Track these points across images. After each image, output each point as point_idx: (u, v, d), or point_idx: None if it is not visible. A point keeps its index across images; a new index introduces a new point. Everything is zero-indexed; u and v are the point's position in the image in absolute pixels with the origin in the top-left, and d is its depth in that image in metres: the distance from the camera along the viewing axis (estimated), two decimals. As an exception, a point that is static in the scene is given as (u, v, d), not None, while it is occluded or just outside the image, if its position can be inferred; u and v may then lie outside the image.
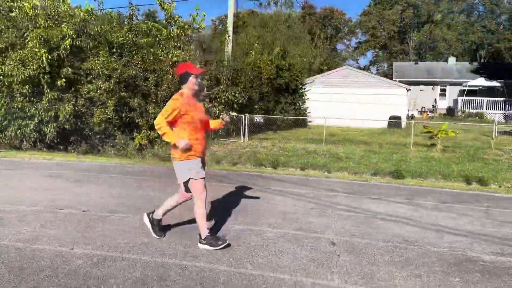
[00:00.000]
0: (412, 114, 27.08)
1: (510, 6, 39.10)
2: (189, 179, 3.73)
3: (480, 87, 29.79)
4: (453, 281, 3.20)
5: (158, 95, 11.30)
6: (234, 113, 13.84)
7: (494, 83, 28.47)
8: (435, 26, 43.77)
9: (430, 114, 29.94)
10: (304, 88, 19.34)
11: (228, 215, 4.97)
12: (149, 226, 4.02)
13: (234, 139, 13.88)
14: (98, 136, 11.18)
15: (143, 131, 11.23)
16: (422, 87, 32.09)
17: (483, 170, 9.44)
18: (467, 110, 27.59)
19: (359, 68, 52.24)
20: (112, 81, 10.86)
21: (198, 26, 13.39)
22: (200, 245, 3.81)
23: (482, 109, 27.58)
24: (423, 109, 31.29)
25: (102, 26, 11.59)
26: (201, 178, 3.74)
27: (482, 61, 43.35)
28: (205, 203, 3.78)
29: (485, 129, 18.83)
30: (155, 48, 12.51)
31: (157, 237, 3.98)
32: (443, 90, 31.78)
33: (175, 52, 12.67)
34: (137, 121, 11.05)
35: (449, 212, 5.42)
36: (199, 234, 3.83)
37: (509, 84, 28.04)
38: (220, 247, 3.75)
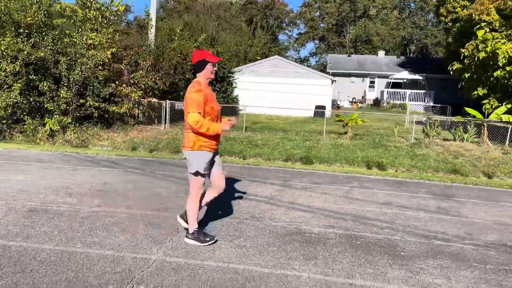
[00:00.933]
0: (338, 105, 28.34)
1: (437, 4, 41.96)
2: (196, 172, 3.56)
3: (405, 80, 31.85)
4: (271, 249, 3.62)
5: (70, 79, 10.96)
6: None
7: (417, 77, 30.60)
8: (370, 21, 45.84)
9: (360, 105, 31.55)
10: (233, 76, 19.58)
11: (88, 197, 5.12)
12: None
13: (156, 125, 13.83)
14: (5, 121, 10.67)
15: (55, 116, 10.87)
16: (353, 78, 33.69)
17: (384, 156, 10.29)
18: (392, 101, 29.43)
19: (300, 59, 53.50)
20: (18, 63, 10.38)
21: (116, 9, 13.07)
22: (187, 240, 3.68)
23: (405, 100, 29.56)
24: (354, 100, 32.89)
25: (8, 4, 10.98)
26: (206, 174, 3.61)
27: (411, 55, 46.19)
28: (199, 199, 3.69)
29: (402, 119, 20.28)
30: (70, 30, 12.06)
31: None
32: (372, 82, 33.60)
33: (91, 35, 12.32)
34: (46, 105, 10.68)
35: (312, 192, 5.96)
36: (186, 229, 3.75)
37: (430, 78, 30.24)
38: (209, 243, 3.64)
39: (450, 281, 3.18)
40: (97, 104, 11.73)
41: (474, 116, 13.40)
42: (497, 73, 13.81)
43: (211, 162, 3.65)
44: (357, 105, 31.27)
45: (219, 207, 4.82)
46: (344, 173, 7.90)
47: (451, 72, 18.11)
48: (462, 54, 16.12)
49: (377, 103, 30.65)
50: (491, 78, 14.57)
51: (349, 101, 32.95)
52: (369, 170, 8.56)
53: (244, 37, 27.98)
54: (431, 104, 28.74)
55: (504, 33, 15.36)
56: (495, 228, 4.61)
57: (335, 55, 38.66)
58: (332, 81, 21.63)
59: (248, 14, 42.84)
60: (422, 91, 29.80)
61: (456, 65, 17.06)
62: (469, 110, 13.36)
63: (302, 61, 52.47)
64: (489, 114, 13.39)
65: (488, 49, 14.12)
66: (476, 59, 14.87)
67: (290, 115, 20.25)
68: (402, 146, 11.84)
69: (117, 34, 13.65)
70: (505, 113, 13.08)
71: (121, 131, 12.19)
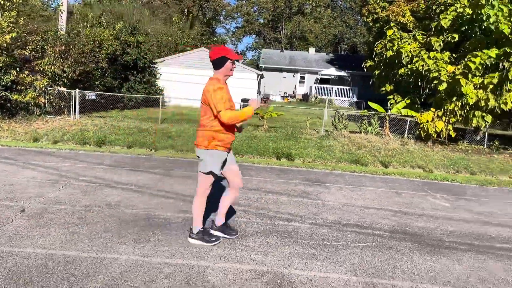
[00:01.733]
0: (267, 98, 28.88)
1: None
2: (210, 172, 3.46)
3: (332, 76, 33.21)
4: (106, 235, 3.66)
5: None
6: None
7: (343, 73, 32.03)
8: (304, 18, 47.10)
9: (290, 99, 32.41)
10: (156, 67, 19.17)
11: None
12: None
13: (65, 115, 13.17)
14: None
15: None
16: (285, 73, 34.47)
17: (294, 147, 10.67)
18: (319, 96, 30.56)
19: (237, 53, 53.63)
20: None
21: (18, -9, 12.18)
22: (191, 240, 3.61)
23: (332, 96, 30.85)
24: (285, 94, 33.69)
25: None
26: (216, 175, 3.51)
27: (342, 53, 48.20)
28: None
29: (322, 113, 21.15)
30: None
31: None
32: (303, 78, 34.63)
33: (-11, 17, 11.41)
34: None
35: (191, 179, 6.07)
36: (190, 229, 3.67)
37: (355, 75, 31.80)
38: (214, 243, 3.59)
39: (267, 256, 3.41)
40: (-5, 92, 10.93)
41: (377, 111, 14.37)
42: (401, 70, 14.82)
43: (224, 161, 3.58)
44: (288, 99, 32.09)
45: (75, 198, 4.74)
46: (249, 163, 8.10)
47: (365, 69, 19.19)
48: (374, 52, 17.14)
49: (306, 98, 31.68)
50: (397, 75, 15.65)
51: (281, 96, 33.69)
52: (278, 161, 8.84)
53: (174, 28, 27.44)
54: (355, 99, 30.28)
55: (412, 33, 16.52)
56: (342, 209, 5.02)
57: (269, 50, 39.25)
58: (258, 75, 21.97)
59: (184, 5, 42.08)
60: (347, 87, 31.27)
61: (369, 63, 18.08)
62: (372, 104, 14.29)
63: (239, 55, 52.58)
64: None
65: (394, 48, 15.11)
66: (384, 57, 15.87)
67: (216, 107, 20.28)
68: (312, 138, 12.38)
69: (22, 18, 12.75)
70: (405, 107, 14.17)
71: (25, 122, 11.48)
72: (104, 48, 15.17)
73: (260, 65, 34.78)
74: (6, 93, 11.38)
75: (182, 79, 21.05)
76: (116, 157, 7.67)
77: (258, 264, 3.22)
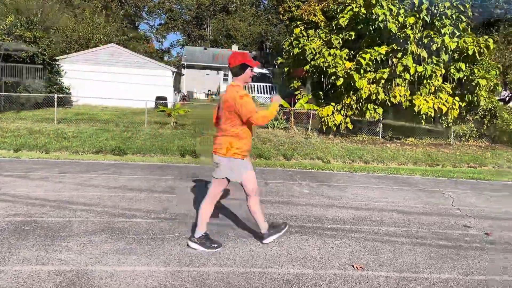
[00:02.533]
0: (186, 96, 28.54)
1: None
2: (225, 178, 3.49)
3: (255, 74, 33.71)
4: None
5: None
6: None
7: (265, 71, 32.66)
8: (229, 16, 47.24)
9: (214, 97, 32.31)
10: (58, 64, 18.00)
11: None
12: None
13: None
14: None
15: None
16: (208, 71, 34.32)
17: (200, 144, 10.52)
18: (242, 94, 30.87)
19: (162, 50, 52.36)
20: None
21: None
22: (191, 244, 3.55)
23: (254, 93, 31.30)
24: (209, 92, 33.54)
25: None
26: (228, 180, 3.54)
27: (268, 51, 49.09)
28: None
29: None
30: None
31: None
32: (226, 75, 34.74)
33: None
34: None
35: (46, 181, 5.75)
36: (192, 232, 3.65)
37: (276, 72, 32.58)
38: (215, 249, 3.54)
39: (80, 255, 3.29)
40: None
41: (283, 106, 14.80)
42: (306, 67, 15.42)
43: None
44: (212, 97, 31.98)
45: None
46: (136, 161, 7.85)
47: (276, 66, 19.76)
48: (283, 50, 17.64)
49: (229, 95, 31.79)
50: (303, 72, 16.25)
51: (205, 93, 33.49)
52: (182, 158, 8.69)
53: (84, 24, 25.96)
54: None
55: (318, 32, 17.23)
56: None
57: (191, 48, 38.79)
58: (173, 72, 21.59)
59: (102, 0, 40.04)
60: (269, 84, 31.96)
61: (280, 60, 18.60)
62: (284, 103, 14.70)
63: (164, 52, 51.43)
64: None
65: (300, 45, 15.65)
66: (292, 54, 16.39)
67: (130, 106, 19.57)
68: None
69: None
70: (308, 102, 14.76)
71: None
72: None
73: (182, 62, 34.26)
74: None
75: (92, 77, 20.01)
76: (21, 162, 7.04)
77: (64, 264, 3.09)
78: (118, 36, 28.93)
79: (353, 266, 3.36)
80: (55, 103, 12.86)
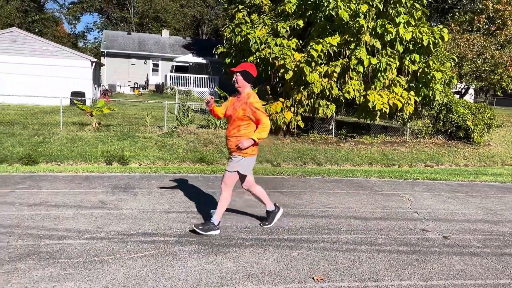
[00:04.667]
0: (107, 91, 27.85)
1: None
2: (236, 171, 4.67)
3: (190, 64, 33.64)
4: None
5: None
6: None
7: (202, 60, 32.69)
8: (157, -5, 46.58)
9: (141, 91, 31.79)
10: None
11: None
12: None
13: None
14: None
15: None
16: (134, 60, 33.67)
17: (129, 148, 10.41)
18: (176, 87, 30.62)
19: (75, 34, 50.28)
20: None
21: None
22: (201, 232, 4.62)
23: (190, 86, 31.26)
24: (136, 85, 32.91)
25: None
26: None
27: (204, 37, 49.10)
28: None
29: (174, 106, 21.28)
30: None
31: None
32: (156, 65, 34.32)
33: None
34: None
35: None
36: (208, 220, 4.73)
37: (215, 62, 32.69)
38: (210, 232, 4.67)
39: (7, 285, 3.30)
40: None
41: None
42: (251, 58, 15.78)
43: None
44: (139, 91, 31.44)
45: None
46: (53, 172, 7.64)
47: (216, 56, 19.95)
48: (225, 38, 17.86)
49: (160, 89, 31.46)
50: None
51: (131, 87, 32.82)
52: (108, 166, 8.56)
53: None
54: (216, 89, 31.21)
55: (263, 17, 17.65)
56: (136, 217, 5.16)
57: (112, 32, 37.75)
58: (93, 63, 20.99)
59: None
60: (207, 76, 32.08)
61: (220, 49, 18.80)
62: (219, 90, 14.94)
63: (77, 37, 49.40)
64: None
65: (243, 33, 15.97)
66: (234, 43, 16.66)
67: (39, 104, 18.74)
68: (153, 137, 12.36)
69: None
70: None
71: None
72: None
73: (101, 49, 33.24)
74: None
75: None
76: None
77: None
78: (19, 17, 27.41)
79: (313, 278, 3.70)
80: None
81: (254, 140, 4.50)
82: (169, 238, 4.49)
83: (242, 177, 4.75)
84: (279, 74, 14.42)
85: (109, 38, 35.18)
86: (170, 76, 31.64)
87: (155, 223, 4.97)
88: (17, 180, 6.90)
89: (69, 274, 3.53)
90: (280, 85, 15.66)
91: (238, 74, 4.65)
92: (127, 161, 9.29)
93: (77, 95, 19.43)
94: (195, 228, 4.56)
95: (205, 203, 5.95)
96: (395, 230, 5.16)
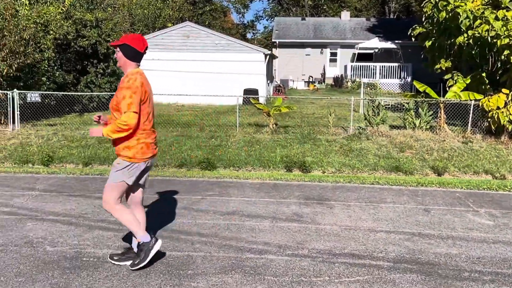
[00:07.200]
0: (281, 87, 29.17)
1: None
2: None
3: (375, 50, 33.30)
4: (18, 280, 4.18)
5: None
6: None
7: (389, 45, 32.07)
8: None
9: (317, 86, 32.66)
10: (123, 53, 19.79)
11: None
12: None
13: (2, 127, 13.83)
14: None
15: None
16: (308, 50, 34.77)
17: (311, 153, 11.01)
18: (357, 79, 30.68)
19: (244, 25, 54.30)
20: None
21: None
22: None
23: (376, 77, 30.95)
24: (311, 79, 33.95)
25: None
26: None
27: (392, 16, 48.13)
28: None
29: (357, 103, 21.34)
30: None
31: None
32: (334, 54, 34.87)
33: None
34: None
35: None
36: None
37: (409, 46, 31.74)
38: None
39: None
40: None
41: (428, 96, 14.48)
42: (460, 39, 14.95)
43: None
44: (314, 86, 32.36)
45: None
46: (232, 179, 8.49)
47: (413, 39, 19.35)
48: (424, 15, 17.28)
49: (339, 82, 31.88)
50: (455, 46, 15.76)
51: (305, 81, 33.99)
52: (288, 174, 9.16)
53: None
54: (409, 80, 30.25)
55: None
56: (339, 234, 5.36)
57: (284, 18, 39.66)
58: (266, 55, 22.36)
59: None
60: (397, 64, 31.31)
61: (418, 29, 18.23)
62: (418, 85, 14.42)
63: (246, 27, 53.35)
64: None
65: (449, 8, 15.24)
66: (436, 21, 16.00)
67: (211, 103, 20.73)
68: (337, 139, 12.67)
69: None
70: (464, 90, 14.27)
71: None
72: (51, 32, 15.88)
73: (273, 40, 35.16)
74: None
75: (161, 66, 21.65)
76: (56, 179, 8.17)
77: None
78: (190, 10, 30.84)
79: None
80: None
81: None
82: (382, 263, 4.55)
83: None
84: (502, 57, 13.33)
85: (281, 26, 37.08)
86: (351, 66, 31.82)
87: (361, 243, 5.10)
88: (205, 186, 7.81)
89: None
90: (501, 72, 14.42)
91: (118, 49, 4.41)
92: (309, 168, 9.65)
93: (250, 93, 20.92)
94: None
95: (419, 223, 5.86)
96: None
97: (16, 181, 7.94)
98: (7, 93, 13.63)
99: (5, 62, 13.73)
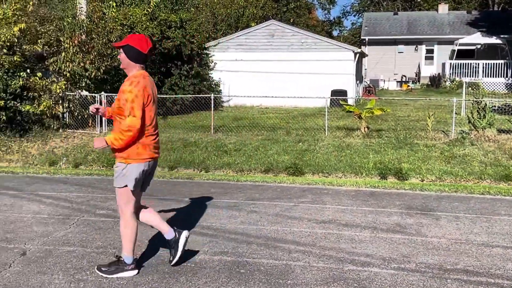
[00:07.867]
0: (371, 88, 28.59)
1: None
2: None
3: (478, 46, 31.94)
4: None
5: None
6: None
7: (494, 40, 30.63)
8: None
9: (411, 85, 31.82)
10: (207, 54, 20.32)
11: None
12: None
13: (90, 129, 14.65)
14: None
15: None
16: (401, 47, 34.02)
17: (407, 159, 10.81)
18: (457, 78, 29.56)
19: (330, 22, 54.03)
20: None
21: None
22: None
23: (478, 76, 29.67)
24: (404, 78, 33.16)
25: None
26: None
27: (496, 7, 45.97)
28: None
29: (458, 105, 20.54)
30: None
31: None
32: (430, 52, 33.85)
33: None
34: None
35: (237, 210, 6.66)
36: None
37: (516, 41, 30.30)
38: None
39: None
40: (2, 102, 12.62)
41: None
42: None
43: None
44: (408, 86, 31.57)
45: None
46: (333, 185, 8.53)
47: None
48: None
49: (436, 81, 30.88)
50: None
51: (397, 81, 33.28)
52: (383, 181, 9.05)
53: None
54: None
55: None
56: (449, 248, 5.20)
57: (374, 14, 39.04)
58: (356, 54, 22.08)
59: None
60: (502, 62, 29.88)
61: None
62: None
63: (332, 24, 53.02)
64: None
65: None
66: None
67: (297, 105, 20.79)
68: (437, 145, 12.29)
69: (31, 3, 14.55)
70: None
71: (39, 139, 13.06)
72: (136, 32, 16.58)
73: (362, 37, 34.74)
74: (15, 102, 13.02)
75: (244, 67, 21.97)
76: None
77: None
78: (273, 8, 31.08)
79: None
80: (212, 106, 14.60)
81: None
82: (501, 281, 4.37)
83: None
84: None
85: (371, 21, 36.57)
86: (450, 64, 30.72)
87: (475, 259, 4.92)
88: (296, 192, 7.89)
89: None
90: None
91: (121, 50, 4.39)
92: (405, 175, 9.43)
93: (338, 94, 20.75)
94: None
95: (538, 237, 5.56)
96: None
97: (110, 184, 8.34)
98: (95, 96, 14.43)
99: (93, 65, 14.52)
